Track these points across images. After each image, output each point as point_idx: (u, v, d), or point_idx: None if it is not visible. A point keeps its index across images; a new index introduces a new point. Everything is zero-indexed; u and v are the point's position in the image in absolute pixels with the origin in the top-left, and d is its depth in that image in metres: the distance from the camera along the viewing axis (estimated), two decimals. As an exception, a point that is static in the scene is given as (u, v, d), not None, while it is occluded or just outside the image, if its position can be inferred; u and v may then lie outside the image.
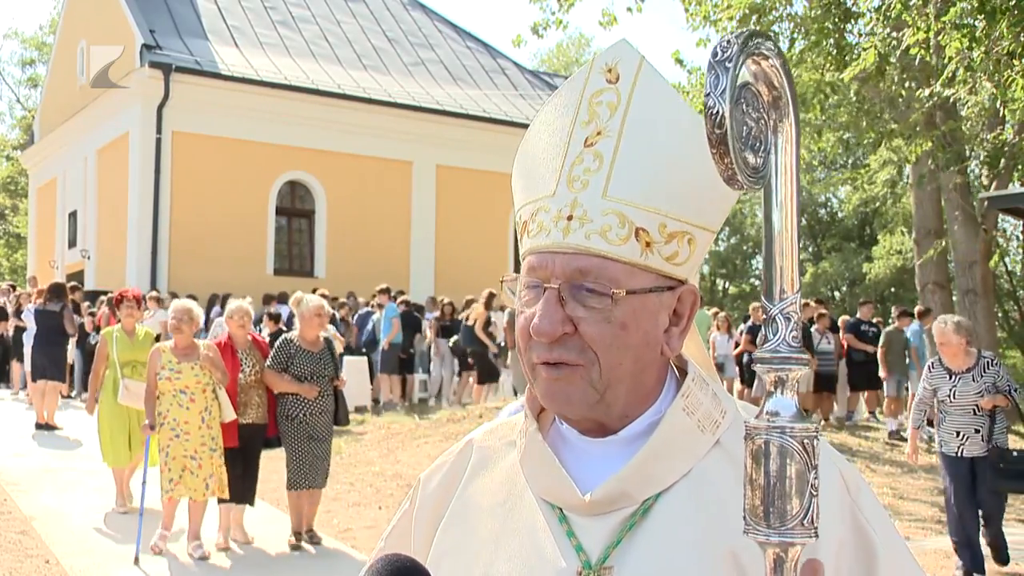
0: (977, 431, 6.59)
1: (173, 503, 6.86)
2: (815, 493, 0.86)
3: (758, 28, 11.67)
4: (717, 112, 0.79)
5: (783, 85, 0.87)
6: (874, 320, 14.89)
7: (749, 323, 14.67)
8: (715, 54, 0.81)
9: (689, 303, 1.14)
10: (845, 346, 14.12)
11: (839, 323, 14.78)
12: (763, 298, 0.88)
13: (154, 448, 7.00)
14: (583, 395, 1.09)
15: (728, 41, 0.81)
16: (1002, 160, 13.96)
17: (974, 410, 6.57)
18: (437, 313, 16.04)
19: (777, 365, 0.87)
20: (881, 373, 13.30)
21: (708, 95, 0.79)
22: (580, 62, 44.86)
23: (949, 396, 6.59)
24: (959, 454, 6.64)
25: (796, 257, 0.88)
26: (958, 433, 6.61)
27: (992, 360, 6.70)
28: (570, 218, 1.08)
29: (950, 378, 6.61)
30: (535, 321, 1.08)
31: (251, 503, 7.28)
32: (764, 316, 0.88)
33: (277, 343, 7.31)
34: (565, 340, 1.08)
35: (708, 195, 1.11)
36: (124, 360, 7.98)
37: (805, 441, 0.86)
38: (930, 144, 12.59)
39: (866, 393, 14.67)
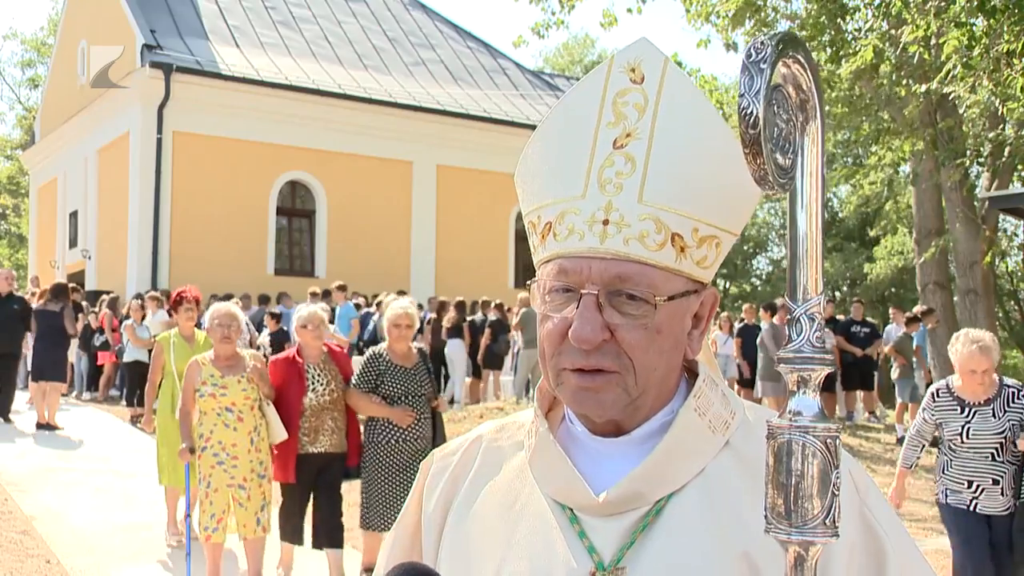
0: (996, 482, 5.04)
1: (217, 547, 5.79)
2: (837, 493, 0.87)
3: (754, 25, 11.70)
4: (752, 113, 0.79)
5: (811, 88, 0.87)
6: (867, 319, 14.87)
7: (741, 324, 14.57)
8: (749, 55, 0.81)
9: (709, 305, 1.15)
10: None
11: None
12: (786, 299, 0.89)
13: (194, 476, 6.15)
14: (615, 400, 1.09)
15: (762, 42, 0.81)
16: (1002, 159, 13.98)
17: (993, 454, 5.03)
18: (452, 314, 15.65)
19: (800, 365, 0.87)
20: (894, 376, 13.30)
21: (743, 96, 0.79)
22: (584, 62, 44.83)
23: (961, 434, 5.08)
24: (972, 507, 5.12)
25: (820, 259, 0.89)
26: (970, 483, 5.10)
27: (1019, 391, 5.13)
28: (606, 222, 1.07)
29: (963, 411, 5.09)
30: (575, 328, 1.06)
31: (339, 545, 6.13)
32: (788, 317, 0.89)
33: (365, 358, 6.21)
34: (602, 346, 1.07)
35: (736, 199, 1.11)
36: (183, 370, 6.81)
37: (828, 441, 0.86)
38: (922, 143, 12.61)
39: (862, 393, 14.69)
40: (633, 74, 1.11)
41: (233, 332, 5.88)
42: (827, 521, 0.86)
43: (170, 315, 7.91)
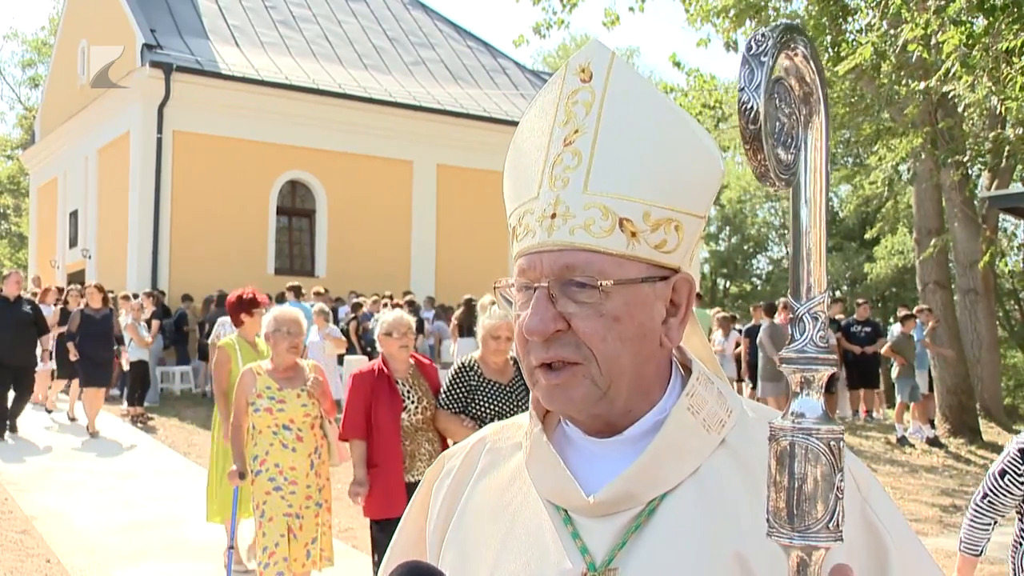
0: None
1: None
2: (841, 496, 0.85)
3: (755, 25, 11.69)
4: (752, 108, 0.77)
5: (815, 80, 0.85)
6: (871, 319, 14.90)
7: (748, 324, 14.57)
8: (749, 48, 0.80)
9: (685, 292, 1.13)
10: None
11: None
12: (790, 297, 0.87)
13: (244, 502, 5.55)
14: (585, 393, 1.08)
15: (763, 35, 0.80)
16: (1002, 159, 13.96)
17: None
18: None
19: (803, 365, 0.85)
20: (894, 375, 13.33)
21: (742, 90, 0.78)
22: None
23: None
24: None
25: (824, 255, 0.87)
26: None
27: None
28: (553, 216, 1.08)
29: None
30: (526, 321, 1.07)
31: None
32: (791, 315, 0.87)
33: (452, 371, 5.28)
34: (559, 337, 1.07)
35: (691, 181, 1.11)
36: None
37: (831, 443, 0.85)
38: (920, 140, 12.60)
39: (862, 392, 14.73)
40: (583, 74, 1.12)
41: (299, 340, 5.23)
42: (830, 525, 0.84)
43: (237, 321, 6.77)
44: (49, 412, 13.37)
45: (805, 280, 0.86)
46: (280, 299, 15.93)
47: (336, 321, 15.45)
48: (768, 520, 0.86)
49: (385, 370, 5.17)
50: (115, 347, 12.56)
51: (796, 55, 0.83)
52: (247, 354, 6.35)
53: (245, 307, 6.57)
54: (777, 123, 0.81)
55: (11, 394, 11.47)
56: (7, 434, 11.30)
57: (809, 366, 0.85)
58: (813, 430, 0.84)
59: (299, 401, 5.12)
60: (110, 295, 15.72)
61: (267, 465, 5.04)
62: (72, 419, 12.65)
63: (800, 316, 0.86)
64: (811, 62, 0.85)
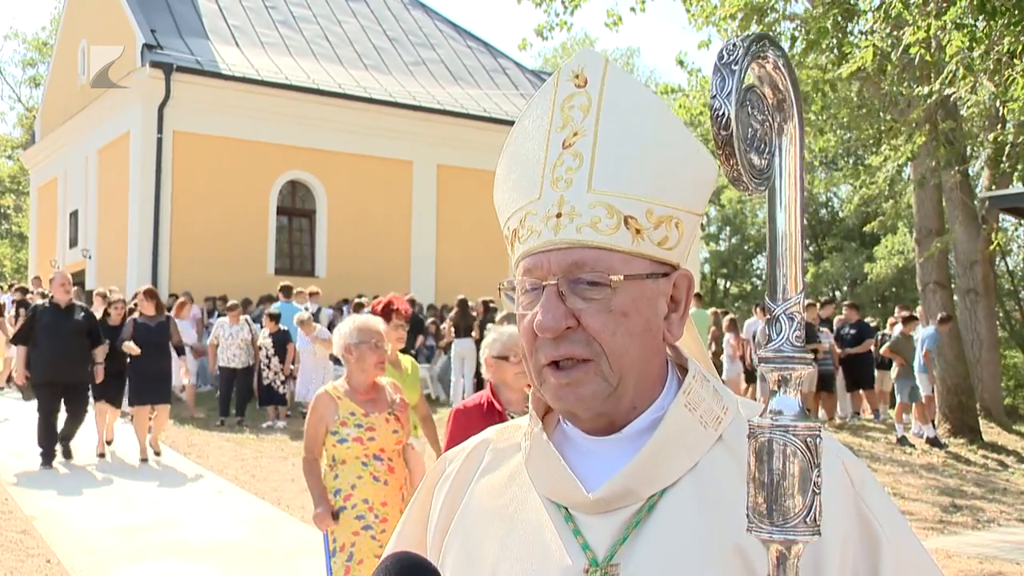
0: None
1: None
2: (818, 491, 0.87)
3: (760, 28, 11.71)
4: (723, 114, 0.80)
5: (787, 88, 0.88)
6: (860, 321, 14.94)
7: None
8: (721, 57, 0.82)
9: (685, 288, 1.16)
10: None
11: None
12: (767, 298, 0.89)
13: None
14: (595, 390, 1.10)
15: (734, 44, 0.82)
16: (1003, 160, 13.98)
17: None
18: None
19: (780, 364, 0.88)
20: (894, 375, 13.34)
21: (714, 97, 0.80)
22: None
23: None
24: None
25: (800, 258, 0.90)
26: None
27: None
28: (559, 216, 1.10)
29: None
30: (538, 318, 1.08)
31: None
32: (768, 316, 0.89)
33: None
34: (569, 334, 1.09)
35: (687, 180, 1.14)
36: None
37: (808, 440, 0.87)
38: (923, 139, 12.60)
39: (863, 392, 14.74)
40: (577, 80, 1.15)
41: (386, 356, 4.54)
42: (808, 520, 0.86)
43: None
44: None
45: (781, 281, 0.89)
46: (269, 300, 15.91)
47: (318, 320, 15.37)
48: (748, 515, 0.89)
49: (496, 404, 4.18)
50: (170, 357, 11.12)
51: (768, 63, 0.86)
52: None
53: (383, 316, 5.54)
54: (750, 129, 0.83)
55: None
56: (62, 460, 10.31)
57: (786, 365, 0.87)
58: (791, 427, 0.86)
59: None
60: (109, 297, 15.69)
61: (353, 500, 4.35)
62: (110, 443, 11.30)
63: (777, 316, 0.89)
64: (783, 70, 0.87)
